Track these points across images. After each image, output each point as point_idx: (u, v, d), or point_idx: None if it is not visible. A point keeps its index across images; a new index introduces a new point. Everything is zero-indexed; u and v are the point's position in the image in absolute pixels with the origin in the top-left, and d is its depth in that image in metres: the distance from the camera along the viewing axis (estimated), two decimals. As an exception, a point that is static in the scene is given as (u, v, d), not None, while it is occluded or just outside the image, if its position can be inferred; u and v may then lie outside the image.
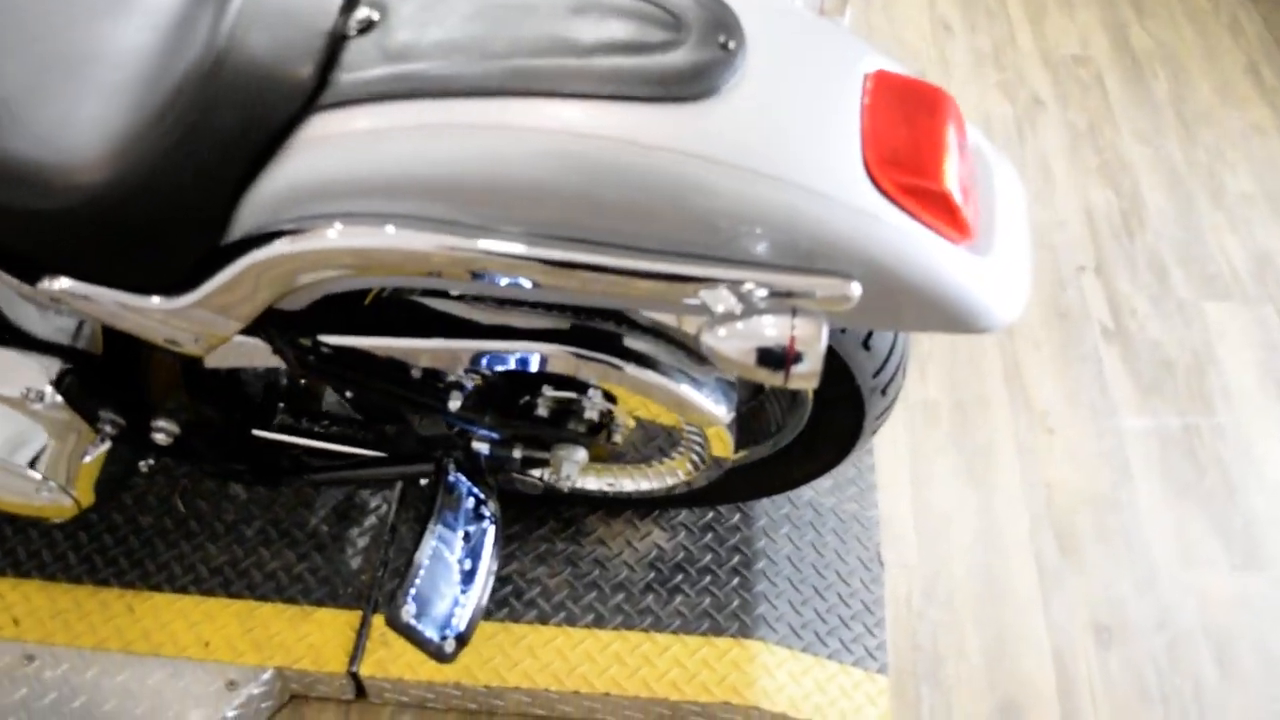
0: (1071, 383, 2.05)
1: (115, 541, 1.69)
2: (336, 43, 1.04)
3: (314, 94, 1.02)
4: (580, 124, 0.96)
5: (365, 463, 1.53)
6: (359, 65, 1.02)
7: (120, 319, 1.18)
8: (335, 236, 1.03)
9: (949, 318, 1.05)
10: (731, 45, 0.99)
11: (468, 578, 1.36)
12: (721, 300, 1.02)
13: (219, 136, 1.03)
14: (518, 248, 1.00)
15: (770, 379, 1.04)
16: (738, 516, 1.70)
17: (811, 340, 1.02)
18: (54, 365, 1.31)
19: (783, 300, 1.02)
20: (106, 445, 1.41)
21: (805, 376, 1.04)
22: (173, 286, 1.15)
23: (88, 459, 1.40)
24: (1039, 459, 1.93)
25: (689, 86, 0.97)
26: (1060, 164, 2.50)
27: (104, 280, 1.15)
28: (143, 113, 1.06)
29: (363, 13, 1.05)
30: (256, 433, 1.51)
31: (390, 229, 1.02)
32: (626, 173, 0.96)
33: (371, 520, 1.71)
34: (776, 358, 1.03)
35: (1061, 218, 2.37)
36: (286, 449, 1.54)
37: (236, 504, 1.73)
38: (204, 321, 1.17)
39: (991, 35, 2.84)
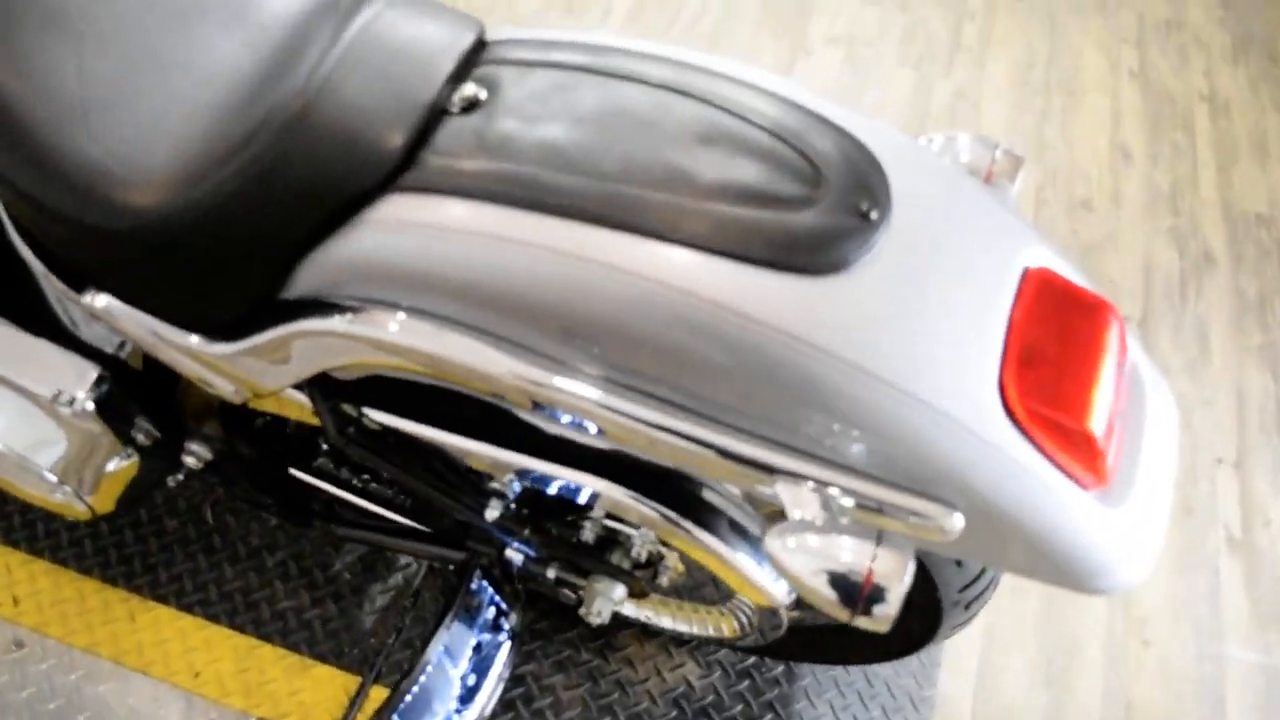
0: (1181, 591, 1.84)
1: (135, 539, 1.62)
2: (435, 117, 0.93)
3: (398, 169, 0.91)
4: (682, 278, 0.83)
5: (397, 531, 1.42)
6: (452, 150, 0.91)
7: (158, 350, 1.10)
8: (395, 330, 0.93)
9: (1060, 572, 0.89)
10: (873, 215, 0.85)
11: (468, 695, 1.24)
12: (801, 502, 0.88)
13: (290, 189, 0.93)
14: (590, 393, 0.88)
15: (835, 611, 0.90)
16: (781, 669, 1.55)
17: (893, 576, 0.88)
18: (91, 372, 1.22)
19: (870, 517, 0.87)
20: (134, 459, 1.33)
21: (877, 620, 0.89)
22: (216, 330, 1.06)
23: (111, 468, 1.32)
24: (1126, 671, 1.73)
25: (814, 257, 0.83)
26: (1220, 334, 2.28)
27: (147, 308, 1.07)
28: (219, 142, 0.96)
29: (470, 89, 0.94)
30: (293, 472, 1.41)
31: (456, 338, 0.91)
32: (724, 342, 0.83)
33: (397, 579, 1.60)
34: (849, 589, 0.88)
35: (1209, 396, 2.15)
36: (320, 494, 1.44)
37: (265, 528, 1.64)
38: (244, 372, 1.08)
39: (1173, 173, 2.62)
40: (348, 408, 1.14)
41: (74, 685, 1.48)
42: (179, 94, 1.01)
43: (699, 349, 0.83)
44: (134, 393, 1.26)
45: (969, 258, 0.88)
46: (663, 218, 0.84)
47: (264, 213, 0.94)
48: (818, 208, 0.84)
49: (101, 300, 1.09)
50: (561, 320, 0.87)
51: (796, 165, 0.87)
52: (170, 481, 1.44)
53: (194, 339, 1.07)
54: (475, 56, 0.98)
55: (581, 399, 0.89)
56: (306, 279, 0.97)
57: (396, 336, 0.93)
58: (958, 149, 1.05)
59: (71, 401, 1.22)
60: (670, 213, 0.84)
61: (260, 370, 1.07)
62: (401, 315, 0.93)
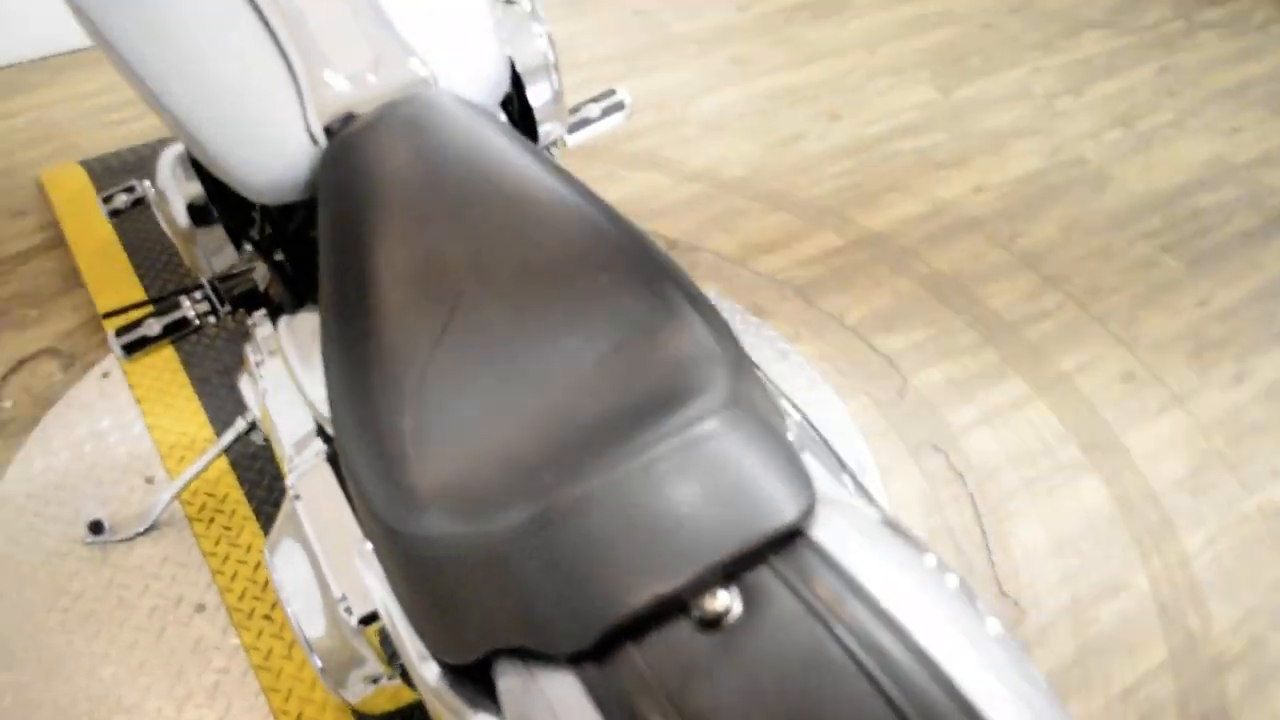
0: None
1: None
2: (667, 609, 0.69)
3: (586, 654, 0.71)
4: None
5: None
6: (644, 677, 0.72)
7: (394, 638, 0.99)
8: None
9: None
10: None
11: None
12: None
13: (494, 595, 0.80)
14: None
15: None
16: None
17: None
18: (369, 601, 1.13)
19: None
20: (398, 682, 1.23)
21: None
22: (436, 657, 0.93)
23: (376, 682, 1.23)
24: None
25: None
26: None
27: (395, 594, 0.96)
28: (488, 498, 0.84)
29: (724, 599, 0.72)
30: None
31: None
32: None
33: None
34: None
35: None
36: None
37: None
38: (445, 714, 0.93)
39: None
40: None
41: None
42: (501, 419, 0.89)
43: None
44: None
45: None
46: None
47: (472, 598, 0.80)
48: None
49: (361, 562, 1.00)
50: None
51: None
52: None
53: (420, 646, 0.94)
54: (772, 548, 0.72)
55: None
56: (500, 677, 0.80)
57: None
58: None
59: (349, 611, 1.15)
60: None
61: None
62: None
